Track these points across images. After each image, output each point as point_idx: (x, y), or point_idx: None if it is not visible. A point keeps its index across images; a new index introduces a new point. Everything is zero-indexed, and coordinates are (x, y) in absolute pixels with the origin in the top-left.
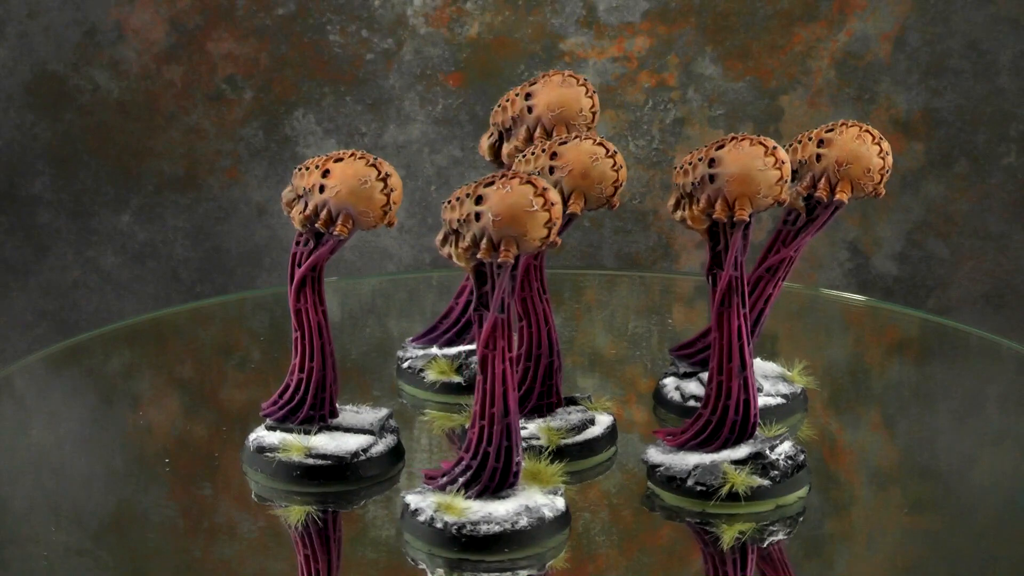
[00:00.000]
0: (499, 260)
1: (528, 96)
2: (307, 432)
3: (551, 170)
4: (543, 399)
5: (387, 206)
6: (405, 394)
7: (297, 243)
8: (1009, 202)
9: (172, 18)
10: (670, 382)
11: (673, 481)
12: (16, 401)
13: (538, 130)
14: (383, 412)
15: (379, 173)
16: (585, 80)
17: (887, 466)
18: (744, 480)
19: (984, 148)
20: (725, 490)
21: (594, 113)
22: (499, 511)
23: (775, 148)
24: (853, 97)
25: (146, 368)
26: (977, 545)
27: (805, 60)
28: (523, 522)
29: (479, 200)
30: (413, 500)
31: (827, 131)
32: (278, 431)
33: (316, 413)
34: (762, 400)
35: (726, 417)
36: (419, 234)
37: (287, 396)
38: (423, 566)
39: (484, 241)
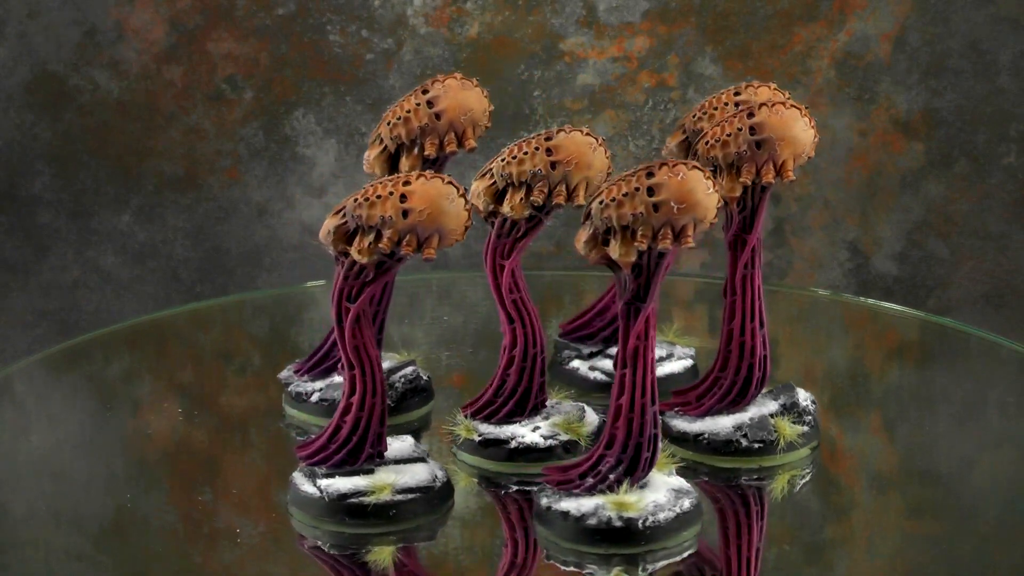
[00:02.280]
0: (660, 247)
1: (431, 104)
2: (368, 472)
3: (552, 165)
4: (538, 398)
5: (468, 221)
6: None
7: (347, 277)
8: (1009, 202)
9: (172, 18)
10: (579, 364)
11: (729, 445)
12: (16, 405)
13: (448, 136)
14: (408, 438)
15: (457, 190)
16: (476, 80)
17: (887, 470)
18: (793, 430)
19: (984, 148)
20: (782, 441)
21: (490, 112)
22: (660, 499)
23: (807, 108)
24: (853, 97)
25: (146, 372)
26: (978, 549)
27: (805, 60)
28: (686, 504)
29: (651, 192)
30: (573, 505)
31: (746, 110)
32: (340, 475)
33: (375, 450)
34: (675, 365)
35: (752, 375)
36: None
37: (343, 437)
38: (590, 570)
39: (663, 230)
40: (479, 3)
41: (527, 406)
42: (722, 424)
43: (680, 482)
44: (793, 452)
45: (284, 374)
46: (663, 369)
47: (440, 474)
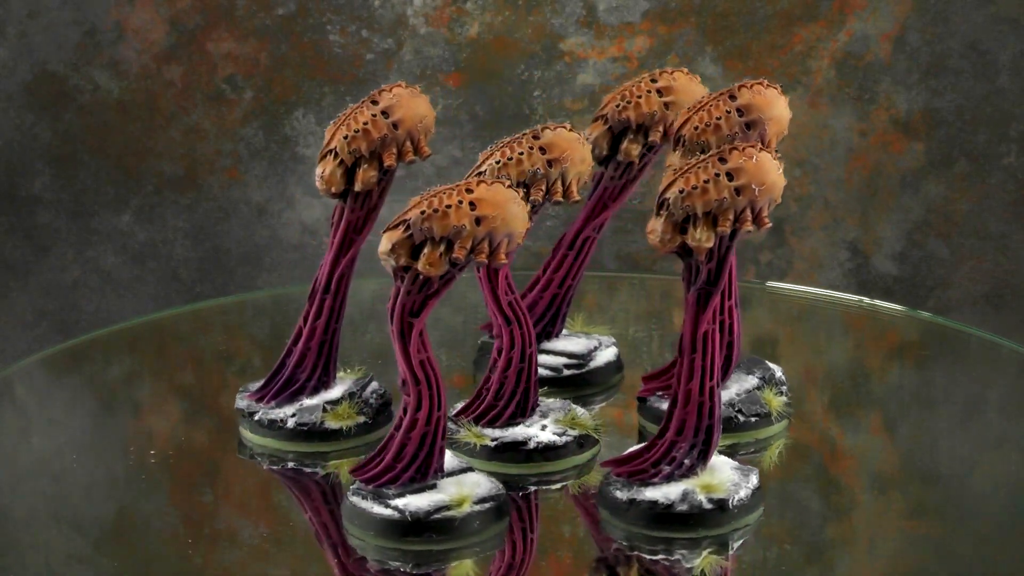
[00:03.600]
0: (744, 230)
1: (386, 114)
2: (432, 487)
3: (549, 164)
4: (535, 398)
5: (528, 223)
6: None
7: (408, 292)
8: (1009, 202)
9: (172, 18)
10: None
11: (730, 422)
12: (17, 408)
13: (406, 145)
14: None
15: (519, 193)
16: (418, 87)
17: (887, 470)
18: (778, 400)
19: (984, 148)
20: (774, 412)
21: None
22: (734, 477)
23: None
24: (853, 97)
25: (146, 374)
26: (978, 549)
27: (805, 60)
28: (753, 480)
29: (731, 176)
30: (659, 494)
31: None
32: (409, 494)
33: (439, 464)
34: (607, 353)
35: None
36: None
37: (410, 454)
38: (679, 556)
39: (744, 213)
40: (479, 3)
41: (527, 407)
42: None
43: (730, 460)
44: (780, 423)
45: (243, 403)
46: (597, 361)
47: (495, 482)
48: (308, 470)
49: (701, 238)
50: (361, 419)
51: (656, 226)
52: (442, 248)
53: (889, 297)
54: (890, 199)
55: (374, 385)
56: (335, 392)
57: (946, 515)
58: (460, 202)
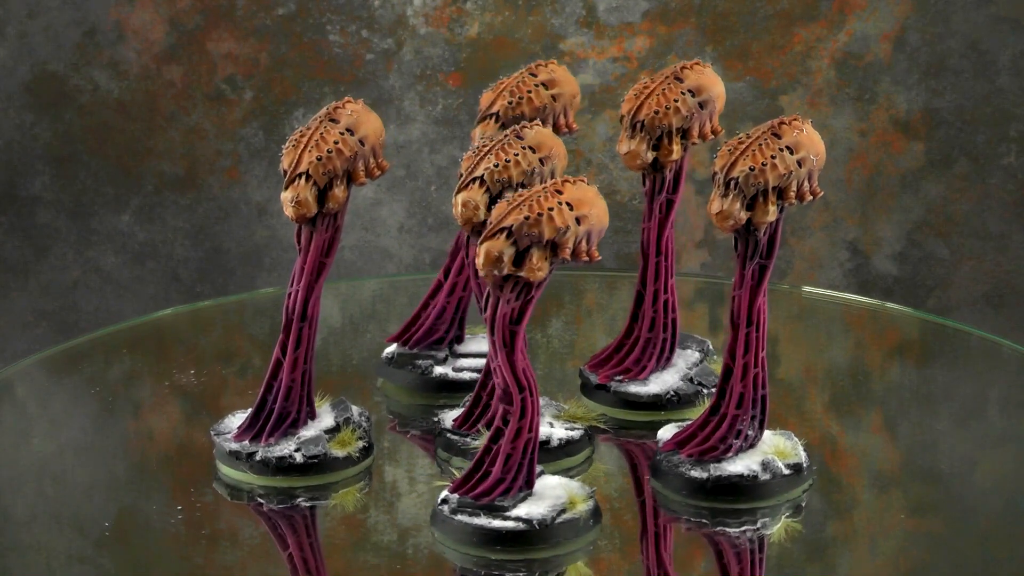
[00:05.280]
0: (807, 200)
1: (351, 131)
2: (530, 494)
3: (541, 162)
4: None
5: None
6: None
7: (508, 300)
8: (1009, 202)
9: (172, 18)
10: (444, 370)
11: (698, 395)
12: (17, 408)
13: (371, 162)
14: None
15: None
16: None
17: (888, 468)
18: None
19: (984, 148)
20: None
21: None
22: (788, 441)
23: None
24: (853, 97)
25: (146, 374)
26: (979, 547)
27: (805, 60)
28: (798, 440)
29: (791, 150)
30: (743, 467)
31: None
32: (521, 503)
33: (536, 471)
34: None
35: (675, 334)
36: (419, 234)
37: (516, 463)
38: (762, 523)
39: (804, 183)
40: (479, 3)
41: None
42: (649, 387)
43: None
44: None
45: (235, 446)
46: None
47: (575, 481)
48: (321, 502)
49: (769, 212)
50: (361, 443)
51: (726, 206)
52: (548, 252)
53: (889, 297)
54: (890, 199)
55: (355, 408)
56: (326, 420)
57: (947, 513)
58: (560, 203)
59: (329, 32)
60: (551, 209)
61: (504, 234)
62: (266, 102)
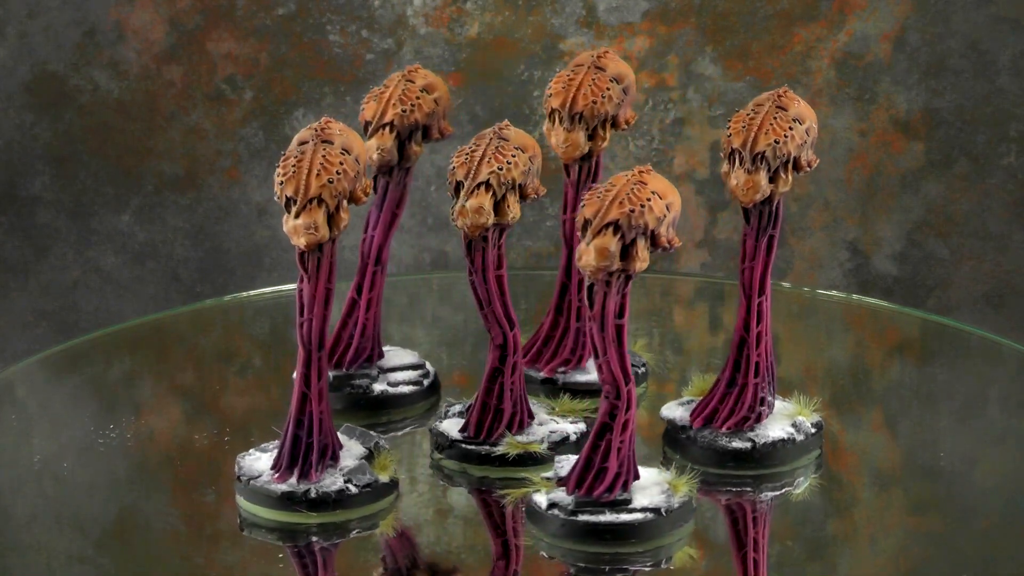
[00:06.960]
0: (814, 167)
1: (426, 91)
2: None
3: (531, 160)
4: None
5: None
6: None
7: (612, 296)
8: (1009, 202)
9: (172, 18)
10: (382, 386)
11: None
12: (17, 408)
13: (441, 122)
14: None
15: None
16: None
17: (889, 467)
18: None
19: (984, 148)
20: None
21: None
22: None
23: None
24: (853, 97)
25: (147, 374)
26: (979, 546)
27: (805, 60)
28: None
29: (799, 121)
30: (779, 432)
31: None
32: (636, 494)
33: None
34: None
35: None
36: (419, 234)
37: (625, 457)
38: (800, 479)
39: (809, 151)
40: (479, 3)
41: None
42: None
43: None
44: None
45: (281, 487)
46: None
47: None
48: (378, 531)
49: (789, 182)
50: (395, 466)
51: (757, 179)
52: (648, 241)
53: (889, 297)
54: (890, 199)
55: (360, 428)
56: (355, 447)
57: (947, 512)
58: (653, 193)
59: (329, 32)
60: (648, 200)
61: (611, 229)
62: (266, 102)
